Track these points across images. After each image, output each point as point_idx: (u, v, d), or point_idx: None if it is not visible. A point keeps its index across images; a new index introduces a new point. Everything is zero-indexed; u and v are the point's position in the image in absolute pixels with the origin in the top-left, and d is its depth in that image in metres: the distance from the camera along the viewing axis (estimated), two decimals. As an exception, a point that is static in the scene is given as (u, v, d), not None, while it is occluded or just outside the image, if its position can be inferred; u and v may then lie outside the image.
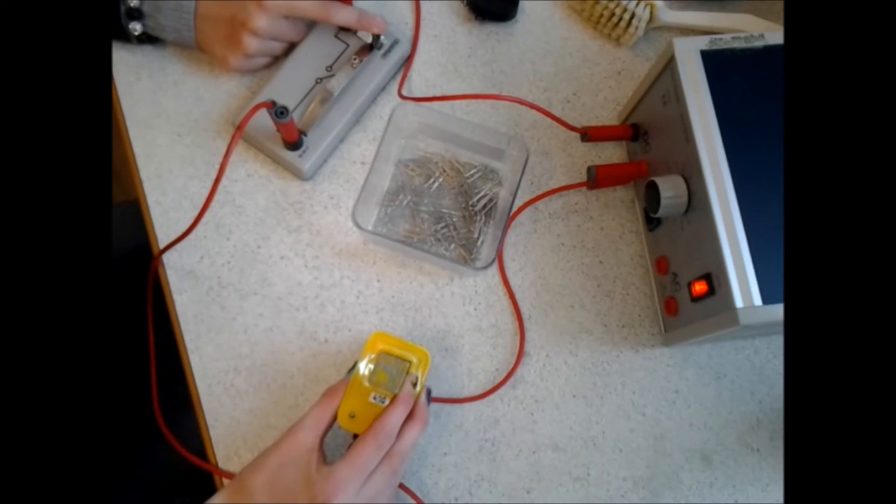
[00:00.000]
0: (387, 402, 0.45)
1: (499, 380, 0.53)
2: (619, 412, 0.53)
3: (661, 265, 0.53)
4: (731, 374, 0.54)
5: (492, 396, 0.53)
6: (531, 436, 0.52)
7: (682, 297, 0.50)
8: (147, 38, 0.56)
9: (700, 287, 0.47)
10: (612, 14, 0.60)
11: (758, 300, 0.42)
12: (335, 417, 0.45)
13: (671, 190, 0.48)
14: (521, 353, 0.53)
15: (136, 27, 0.54)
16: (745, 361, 0.55)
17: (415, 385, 0.46)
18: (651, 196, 0.49)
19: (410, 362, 0.47)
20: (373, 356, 0.47)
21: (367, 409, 0.45)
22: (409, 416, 0.45)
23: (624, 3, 0.59)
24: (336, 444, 0.50)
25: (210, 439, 0.51)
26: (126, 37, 0.55)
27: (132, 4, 0.52)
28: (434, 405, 0.52)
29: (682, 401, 0.54)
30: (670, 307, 0.52)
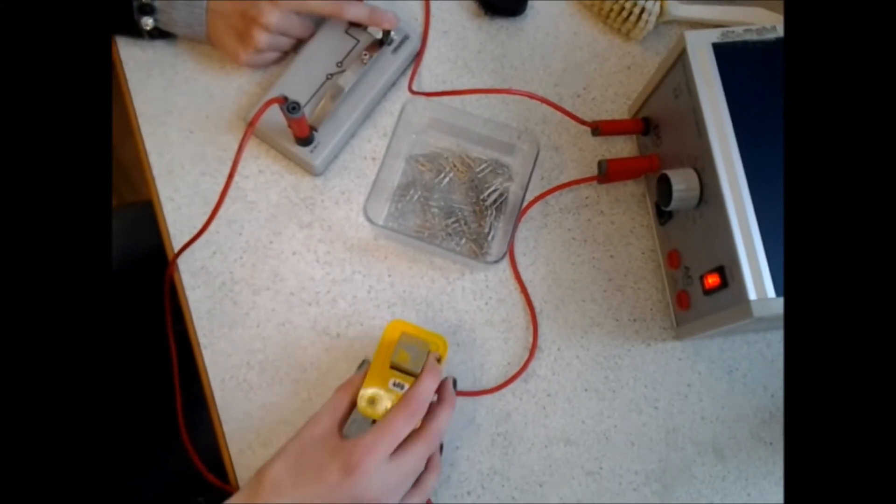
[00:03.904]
0: (406, 388, 0.45)
1: (511, 374, 0.53)
2: (631, 406, 0.53)
3: (673, 259, 0.53)
4: (744, 368, 0.54)
5: (504, 390, 0.53)
6: (543, 430, 0.52)
7: (695, 290, 0.50)
8: (158, 33, 0.56)
9: (712, 280, 0.46)
10: (622, 9, 0.60)
11: (771, 292, 0.42)
12: (353, 406, 0.44)
13: (683, 183, 0.47)
14: (534, 347, 0.53)
15: (147, 22, 0.54)
16: (758, 355, 0.55)
17: (438, 361, 0.46)
18: (663, 189, 0.49)
19: (430, 344, 0.47)
20: (393, 340, 0.47)
21: (386, 394, 0.45)
22: (440, 400, 0.45)
23: (634, -3, 0.59)
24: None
25: (224, 434, 0.51)
26: (138, 32, 0.55)
27: None
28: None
29: (695, 394, 0.54)
30: (682, 301, 0.52)
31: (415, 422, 0.43)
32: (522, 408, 0.52)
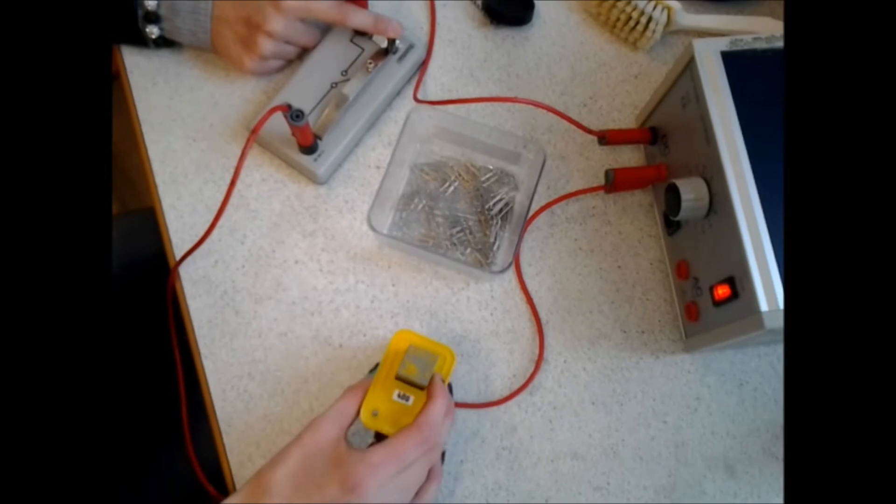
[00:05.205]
0: (411, 400, 0.44)
1: (516, 386, 0.52)
2: (639, 420, 0.52)
3: (682, 270, 0.52)
4: (755, 381, 0.53)
5: (509, 403, 0.52)
6: (550, 444, 0.51)
7: (704, 301, 0.49)
8: (164, 42, 0.56)
9: (722, 291, 0.46)
10: (629, 18, 0.59)
11: (783, 303, 0.41)
12: (358, 413, 0.43)
13: (692, 192, 0.47)
14: (540, 359, 0.52)
15: (153, 31, 0.54)
16: (769, 368, 0.53)
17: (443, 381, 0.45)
18: (671, 199, 0.48)
19: (438, 357, 0.46)
20: (400, 350, 0.46)
21: (390, 406, 0.44)
22: None
23: (641, 6, 0.58)
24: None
25: (224, 446, 0.50)
26: (143, 41, 0.55)
27: (149, 8, 0.53)
28: (450, 412, 0.51)
29: (704, 408, 0.52)
30: (691, 312, 0.51)
31: (425, 447, 0.41)
32: (528, 421, 0.51)
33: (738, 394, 0.53)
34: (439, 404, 0.43)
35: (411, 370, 0.44)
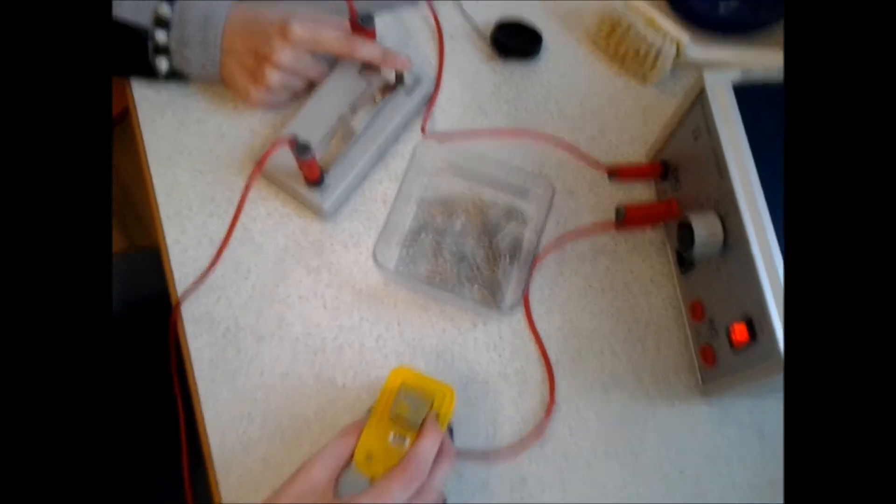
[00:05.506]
0: (407, 442, 0.42)
1: (525, 431, 0.50)
2: (655, 471, 0.49)
3: (696, 310, 0.50)
4: (776, 431, 0.50)
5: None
6: (562, 495, 0.48)
7: (720, 344, 0.47)
8: (173, 74, 0.56)
9: (740, 333, 0.43)
10: (638, 51, 0.59)
11: (784, 344, 0.39)
12: (351, 457, 0.42)
13: (705, 228, 0.45)
14: (551, 405, 0.50)
15: (162, 63, 0.54)
16: (791, 414, 0.51)
17: (438, 418, 0.43)
18: (684, 235, 0.46)
19: (435, 395, 0.44)
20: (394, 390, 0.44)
21: (385, 450, 0.42)
22: (437, 452, 0.42)
23: (650, 40, 0.58)
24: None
25: (219, 492, 0.48)
26: (153, 73, 0.55)
27: (160, 41, 0.53)
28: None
29: (723, 459, 0.50)
30: (707, 356, 0.49)
31: (413, 488, 0.39)
32: (538, 472, 0.49)
33: (759, 444, 0.50)
34: (428, 442, 0.41)
35: (403, 409, 0.42)
